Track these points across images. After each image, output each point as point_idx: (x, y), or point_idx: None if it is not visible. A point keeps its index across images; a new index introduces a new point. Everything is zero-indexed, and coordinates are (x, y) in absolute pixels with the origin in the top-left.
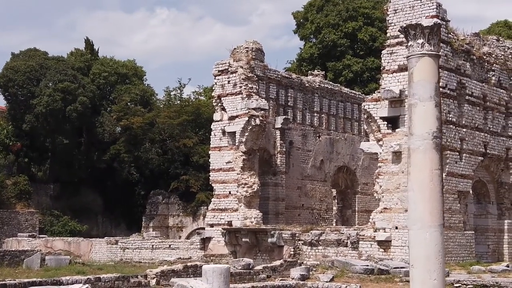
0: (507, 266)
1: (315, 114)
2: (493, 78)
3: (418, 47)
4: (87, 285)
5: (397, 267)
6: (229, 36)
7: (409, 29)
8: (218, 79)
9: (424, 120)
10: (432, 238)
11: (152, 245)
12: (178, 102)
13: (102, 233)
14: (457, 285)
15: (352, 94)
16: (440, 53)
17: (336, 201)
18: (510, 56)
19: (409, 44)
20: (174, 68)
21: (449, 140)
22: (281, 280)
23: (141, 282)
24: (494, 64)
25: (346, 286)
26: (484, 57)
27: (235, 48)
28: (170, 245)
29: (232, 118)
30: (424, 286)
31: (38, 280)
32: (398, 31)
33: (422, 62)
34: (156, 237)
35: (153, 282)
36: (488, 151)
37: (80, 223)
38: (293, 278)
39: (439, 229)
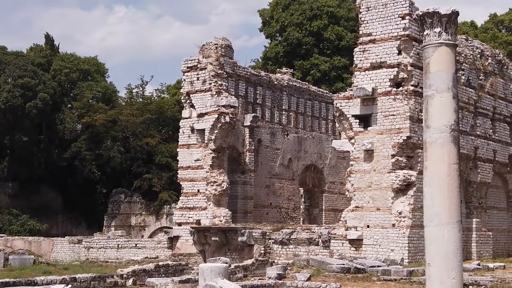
0: (478, 264)
1: (284, 112)
2: (463, 77)
3: (435, 36)
4: (69, 286)
5: (374, 266)
6: (189, 34)
7: (425, 17)
8: (187, 76)
9: (442, 112)
10: (450, 236)
11: (118, 244)
12: (140, 99)
13: (62, 233)
14: None
15: (320, 93)
16: (457, 42)
17: (303, 199)
18: (478, 55)
19: (425, 33)
20: (134, 66)
21: (420, 138)
22: (259, 279)
23: (118, 282)
24: (464, 64)
25: (326, 286)
26: None
27: (204, 45)
28: (136, 244)
29: (201, 115)
30: (443, 286)
31: (11, 280)
32: (414, 19)
33: (439, 52)
34: (121, 236)
35: (129, 282)
36: None
37: (39, 222)
38: (269, 278)
39: (458, 226)
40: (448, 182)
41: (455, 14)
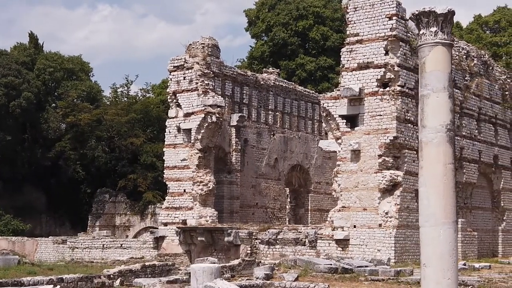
0: (464, 264)
1: (270, 112)
2: None
3: (431, 35)
4: (58, 287)
5: (361, 266)
6: (173, 34)
7: (421, 16)
8: (173, 75)
9: (438, 111)
10: (446, 236)
11: (103, 245)
12: (125, 99)
13: (45, 233)
14: None
15: (306, 93)
16: (453, 42)
17: (289, 199)
18: (464, 56)
19: (420, 32)
20: (118, 66)
21: (407, 139)
22: (247, 280)
23: (105, 283)
24: None
25: (314, 286)
26: None
27: (190, 44)
28: (121, 244)
29: (187, 115)
30: (438, 286)
31: None
32: (410, 18)
33: (435, 51)
34: (107, 236)
35: (117, 282)
36: None
37: (23, 222)
38: (257, 278)
39: (453, 226)
40: (444, 182)
41: (451, 13)
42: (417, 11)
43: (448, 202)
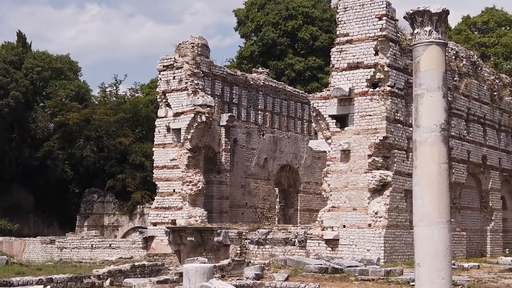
0: (453, 264)
1: (259, 112)
2: None
3: (425, 34)
4: (49, 287)
5: (351, 266)
6: (162, 34)
7: (415, 15)
8: (163, 75)
9: (432, 111)
10: (440, 235)
11: (92, 245)
12: (114, 99)
13: (33, 233)
14: (413, 283)
15: (296, 93)
16: (446, 41)
17: (278, 199)
18: (453, 57)
19: (415, 31)
20: (107, 65)
21: (396, 139)
22: (237, 280)
23: (95, 283)
24: None
25: (305, 286)
26: None
27: (180, 44)
28: (110, 244)
29: (177, 114)
30: (433, 286)
31: None
32: (404, 17)
33: (430, 51)
34: (95, 236)
35: (106, 282)
36: None
37: (10, 222)
38: (247, 278)
39: (447, 225)
40: (438, 182)
41: (446, 12)
42: (411, 10)
43: (442, 202)
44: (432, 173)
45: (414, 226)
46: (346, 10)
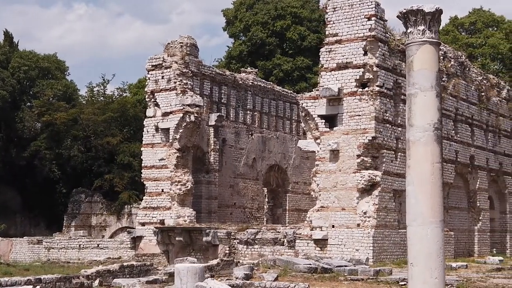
0: None
1: (248, 112)
2: None
3: (419, 34)
4: (38, 287)
5: (340, 266)
6: (149, 34)
7: (409, 15)
8: (151, 74)
9: (425, 110)
10: (433, 235)
11: (79, 245)
12: (102, 98)
13: (20, 233)
14: (403, 283)
15: (284, 93)
16: (440, 41)
17: (267, 199)
18: (441, 57)
19: (408, 31)
20: (94, 65)
21: (385, 139)
22: (226, 280)
23: (84, 283)
24: None
25: (295, 285)
26: None
27: (169, 43)
28: (98, 245)
29: (166, 114)
30: (426, 286)
31: None
32: (397, 16)
33: (423, 50)
34: (83, 236)
35: (95, 283)
36: None
37: None
38: (237, 278)
39: (440, 225)
40: (431, 181)
41: (439, 12)
42: (404, 9)
43: (435, 201)
44: (426, 172)
45: (407, 226)
46: (335, 10)
